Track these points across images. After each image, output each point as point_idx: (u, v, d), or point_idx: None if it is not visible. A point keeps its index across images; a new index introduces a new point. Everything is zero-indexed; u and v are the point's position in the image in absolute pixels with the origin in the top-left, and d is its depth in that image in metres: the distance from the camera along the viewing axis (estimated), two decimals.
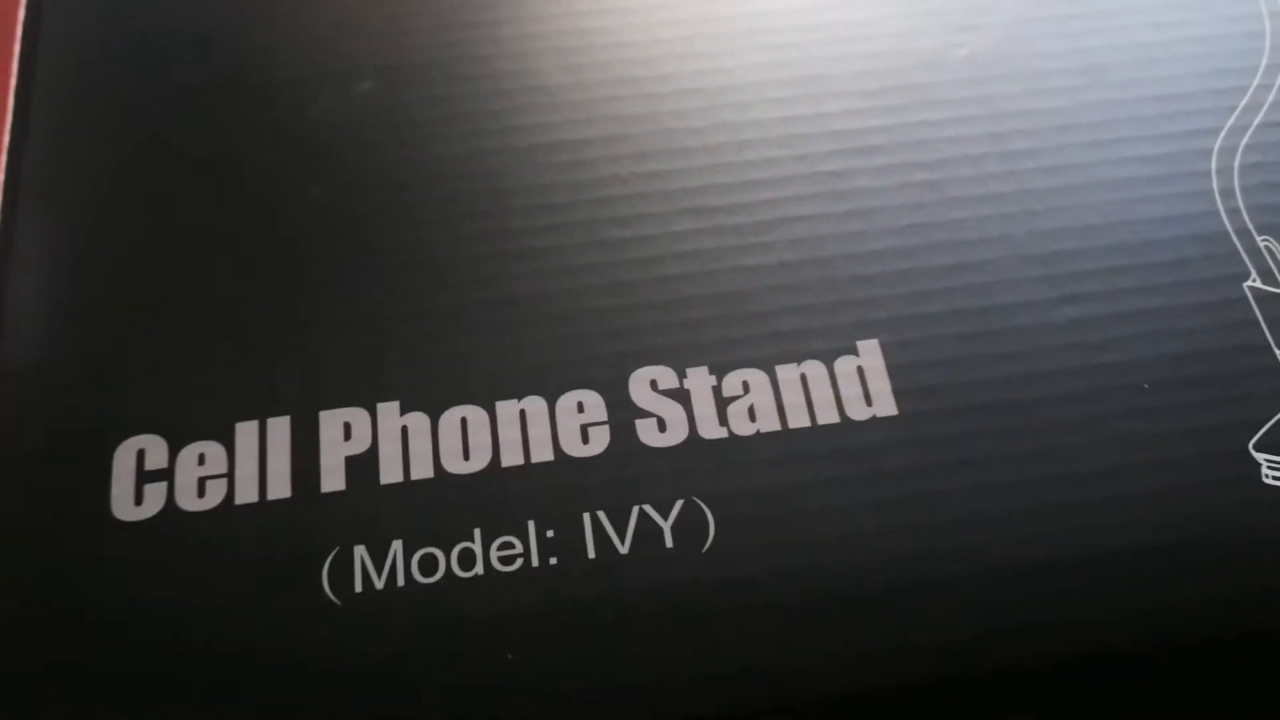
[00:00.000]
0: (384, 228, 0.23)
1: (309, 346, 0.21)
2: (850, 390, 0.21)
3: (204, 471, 0.20)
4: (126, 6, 0.26)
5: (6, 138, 0.24)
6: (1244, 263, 0.23)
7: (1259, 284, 0.22)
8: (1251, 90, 0.25)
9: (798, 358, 0.21)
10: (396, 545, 0.20)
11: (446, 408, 0.21)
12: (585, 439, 0.21)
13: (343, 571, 0.19)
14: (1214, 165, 0.24)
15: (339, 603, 0.19)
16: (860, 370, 0.21)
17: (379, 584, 0.19)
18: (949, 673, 0.19)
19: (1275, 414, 0.21)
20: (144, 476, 0.20)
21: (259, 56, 0.25)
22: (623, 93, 0.24)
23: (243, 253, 0.22)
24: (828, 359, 0.21)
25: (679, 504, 0.20)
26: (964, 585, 0.19)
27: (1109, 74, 0.25)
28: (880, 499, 0.20)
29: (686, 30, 0.25)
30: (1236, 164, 0.24)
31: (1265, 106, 0.24)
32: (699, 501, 0.20)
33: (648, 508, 0.20)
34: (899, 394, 0.21)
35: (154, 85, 0.24)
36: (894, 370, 0.21)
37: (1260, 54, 0.25)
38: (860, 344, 0.22)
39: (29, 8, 0.25)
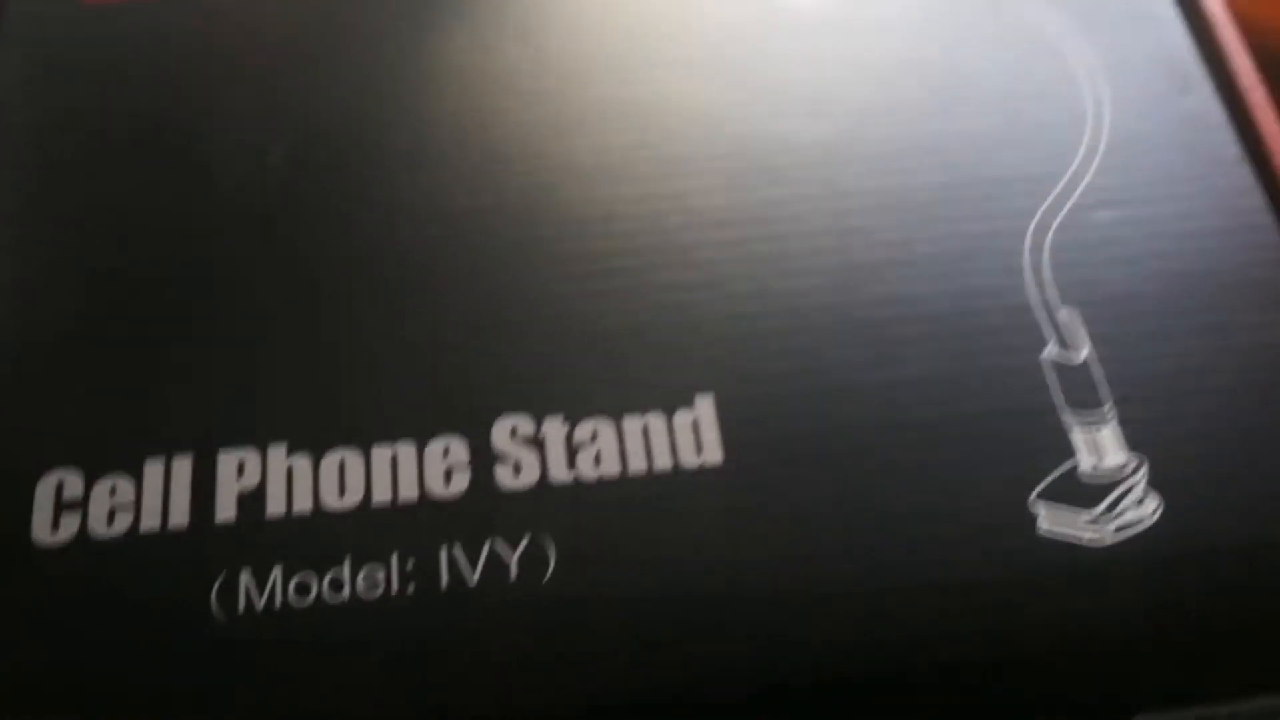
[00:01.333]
0: (279, 285, 0.26)
1: (212, 391, 0.24)
2: (684, 439, 0.24)
3: (114, 502, 0.23)
4: (70, 49, 0.29)
5: None
6: (1043, 334, 0.26)
7: (1055, 352, 0.25)
8: (1068, 175, 0.28)
9: (642, 408, 0.24)
10: (277, 571, 0.23)
11: (328, 450, 0.24)
12: (448, 480, 0.24)
13: (229, 594, 0.22)
14: (1027, 243, 0.27)
15: (224, 621, 0.22)
16: (695, 421, 0.24)
17: (259, 606, 0.22)
18: (755, 693, 0.22)
19: (1055, 469, 0.24)
20: (61, 506, 0.23)
21: (176, 134, 0.28)
22: (505, 167, 0.27)
23: (156, 299, 0.25)
24: (668, 410, 0.24)
25: (525, 540, 0.23)
26: (771, 614, 0.22)
27: (942, 157, 0.28)
28: (700, 536, 0.23)
29: (565, 111, 0.28)
30: (1048, 242, 0.27)
31: (1078, 191, 0.27)
32: (542, 538, 0.23)
33: (498, 543, 0.23)
34: (726, 443, 0.24)
35: (83, 125, 0.27)
36: (724, 421, 0.24)
37: (1080, 140, 0.28)
38: (697, 397, 0.25)
39: None
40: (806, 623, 0.22)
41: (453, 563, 0.23)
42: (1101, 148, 0.28)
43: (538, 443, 0.24)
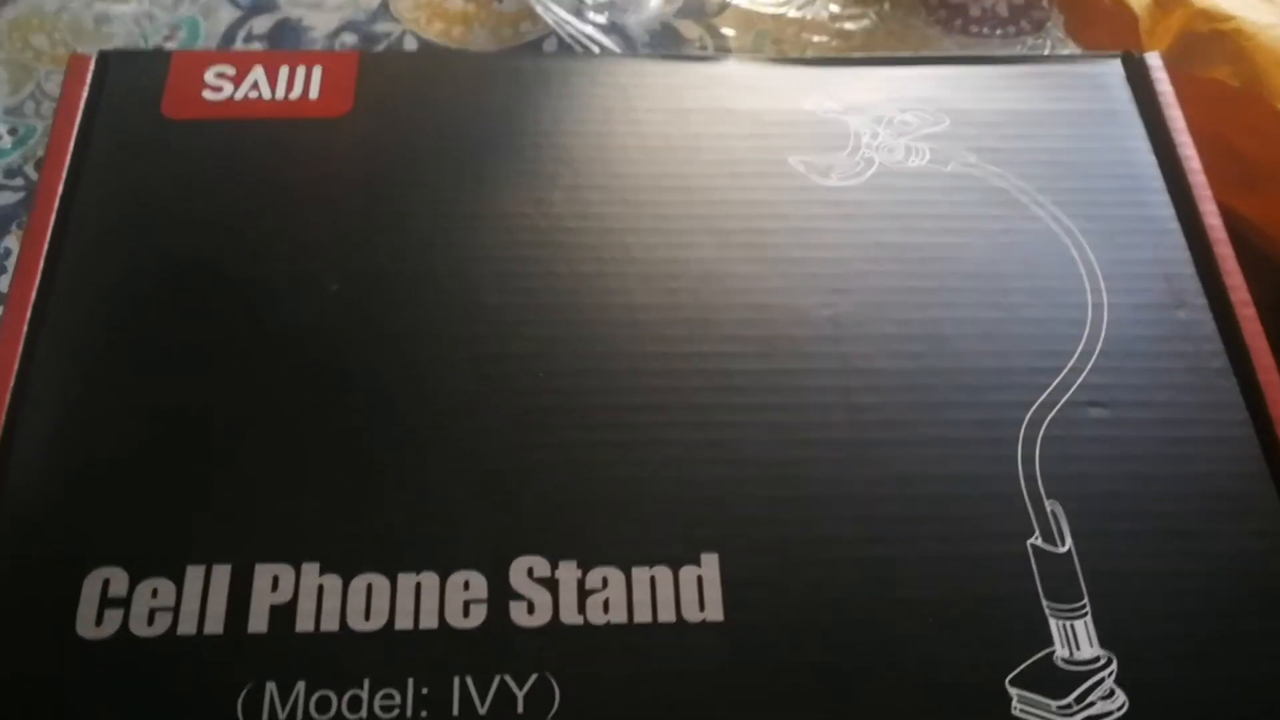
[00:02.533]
0: (329, 416, 0.28)
1: (255, 507, 0.26)
2: (688, 595, 0.26)
3: (155, 604, 0.25)
4: (150, 186, 0.31)
5: (34, 294, 0.29)
6: (1030, 522, 0.27)
7: (1040, 543, 0.27)
8: (1064, 372, 0.30)
9: (651, 561, 0.26)
10: (300, 685, 0.24)
11: (357, 573, 0.26)
12: (466, 613, 0.25)
13: (254, 702, 0.24)
14: (1021, 434, 0.29)
15: None
16: (699, 579, 0.26)
17: (282, 716, 0.24)
18: None
19: (1032, 656, 0.26)
20: (106, 602, 0.25)
21: (244, 253, 0.30)
22: (543, 316, 0.30)
23: (210, 420, 0.27)
24: (675, 566, 0.26)
25: (534, 677, 0.25)
26: None
27: (949, 344, 0.30)
28: (698, 691, 0.25)
29: (605, 268, 0.30)
30: (1040, 435, 0.29)
31: (1074, 388, 0.29)
32: (550, 677, 0.25)
33: (507, 678, 0.25)
34: (728, 603, 0.26)
35: (155, 267, 0.30)
36: (726, 582, 0.26)
37: (1078, 340, 0.30)
38: (703, 556, 0.26)
39: (66, 186, 0.31)
40: None
41: (464, 692, 0.24)
42: (1098, 349, 0.30)
43: (551, 584, 0.26)
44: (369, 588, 0.26)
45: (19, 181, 0.44)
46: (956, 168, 0.33)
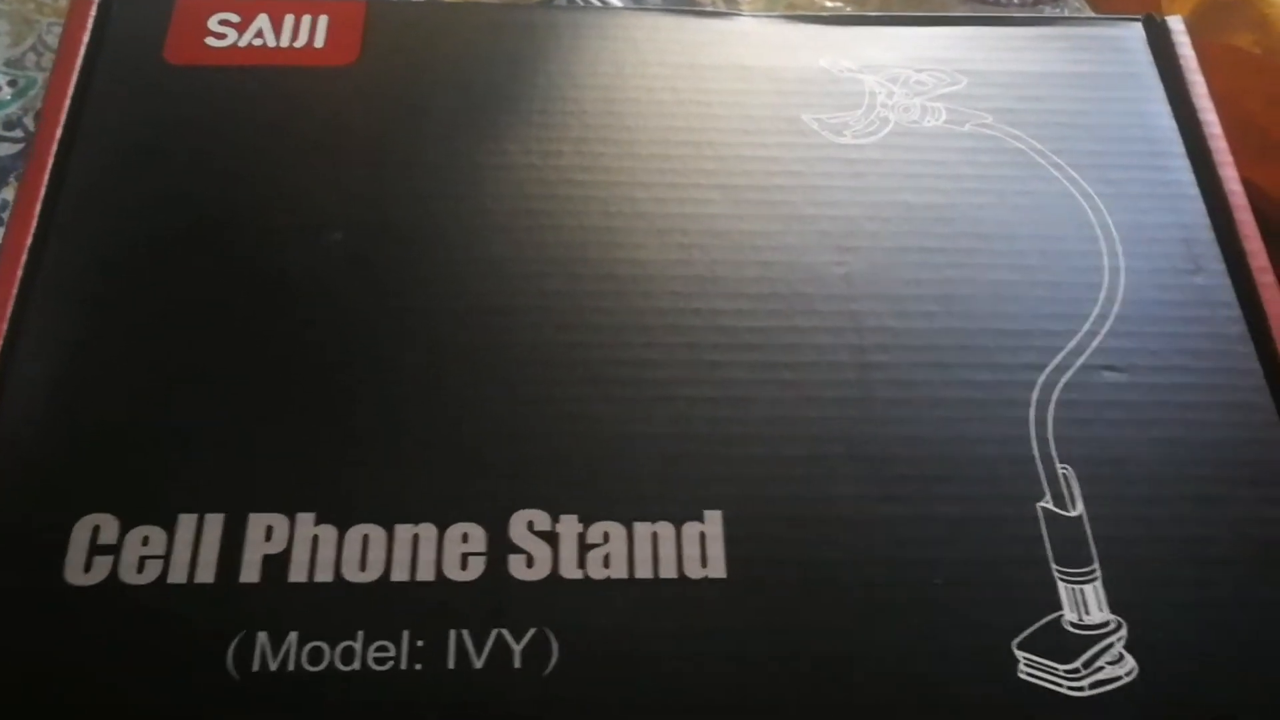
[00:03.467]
0: (328, 366, 0.27)
1: (249, 457, 0.26)
2: (691, 551, 0.25)
3: (146, 551, 0.25)
4: (151, 133, 0.31)
5: (29, 239, 0.29)
6: (1042, 486, 0.27)
7: (1051, 506, 0.27)
8: (1080, 335, 0.29)
9: (653, 517, 0.26)
10: (293, 636, 0.24)
11: (353, 524, 0.25)
12: (464, 565, 0.25)
13: (245, 652, 0.24)
14: (1035, 396, 0.28)
15: (238, 678, 0.23)
16: (702, 535, 0.26)
17: (273, 667, 0.23)
18: None
19: (1040, 619, 0.25)
20: (95, 549, 0.24)
21: (245, 202, 0.29)
22: (549, 270, 0.29)
23: (207, 367, 0.27)
24: (677, 522, 0.26)
25: (531, 631, 0.24)
26: None
27: (963, 304, 0.29)
28: (698, 650, 0.24)
29: (613, 222, 0.30)
30: (1054, 398, 0.28)
31: (1089, 351, 0.29)
32: (548, 631, 0.24)
33: (505, 631, 0.24)
34: (730, 561, 0.25)
35: (154, 215, 0.29)
36: (730, 539, 0.25)
37: (1094, 303, 0.30)
38: (707, 513, 0.26)
39: (65, 131, 0.30)
40: None
41: (460, 645, 0.24)
42: (1114, 313, 0.29)
43: (552, 538, 0.25)
44: (365, 539, 0.25)
45: (18, 133, 0.44)
46: (973, 128, 0.32)
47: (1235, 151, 0.32)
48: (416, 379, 0.27)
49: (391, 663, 0.24)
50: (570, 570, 0.25)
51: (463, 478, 0.26)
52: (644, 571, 0.25)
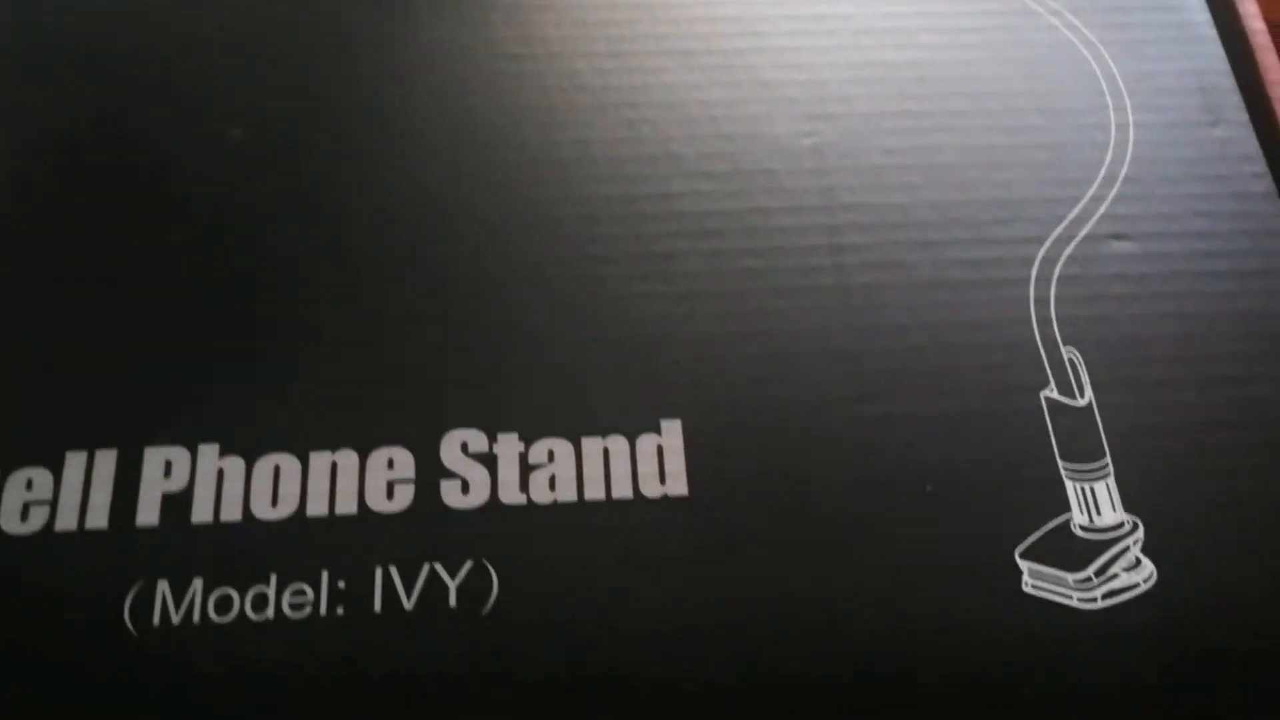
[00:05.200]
0: (224, 278, 0.24)
1: (145, 385, 0.23)
2: (647, 467, 0.22)
3: (30, 496, 0.22)
4: (37, 43, 0.27)
5: None
6: (1045, 373, 0.24)
7: (1055, 395, 0.23)
8: (1084, 201, 0.26)
9: (603, 431, 0.23)
10: (197, 583, 0.21)
11: (262, 454, 0.22)
12: (390, 495, 0.22)
13: (144, 605, 0.21)
14: (1034, 273, 0.25)
15: (136, 634, 0.21)
16: (660, 449, 0.23)
17: (176, 619, 0.21)
18: None
19: (1046, 524, 0.22)
20: None
21: (148, 96, 0.26)
22: (481, 157, 0.25)
23: (89, 292, 0.24)
24: (631, 435, 0.23)
25: (468, 565, 0.21)
26: (729, 660, 0.21)
27: (950, 174, 0.26)
28: (658, 577, 0.21)
29: (552, 99, 0.26)
30: (1056, 274, 0.25)
31: (1094, 219, 0.25)
32: (488, 564, 0.21)
33: (438, 566, 0.21)
34: (692, 476, 0.22)
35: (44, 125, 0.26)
36: (691, 451, 0.22)
37: (1100, 165, 0.26)
38: (664, 423, 0.23)
39: None
40: (763, 669, 0.21)
41: (388, 584, 0.21)
42: (1123, 174, 0.26)
43: (489, 460, 0.22)
44: (276, 470, 0.22)
45: None
46: None
47: None
48: (329, 289, 0.24)
49: (309, 609, 0.21)
50: (511, 495, 0.22)
51: (385, 397, 0.23)
52: (595, 492, 0.22)
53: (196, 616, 0.21)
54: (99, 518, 0.22)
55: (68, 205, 0.25)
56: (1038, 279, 0.25)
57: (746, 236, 0.25)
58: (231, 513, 0.22)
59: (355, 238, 0.24)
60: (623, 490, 0.22)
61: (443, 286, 0.24)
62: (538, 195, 0.25)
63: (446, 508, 0.22)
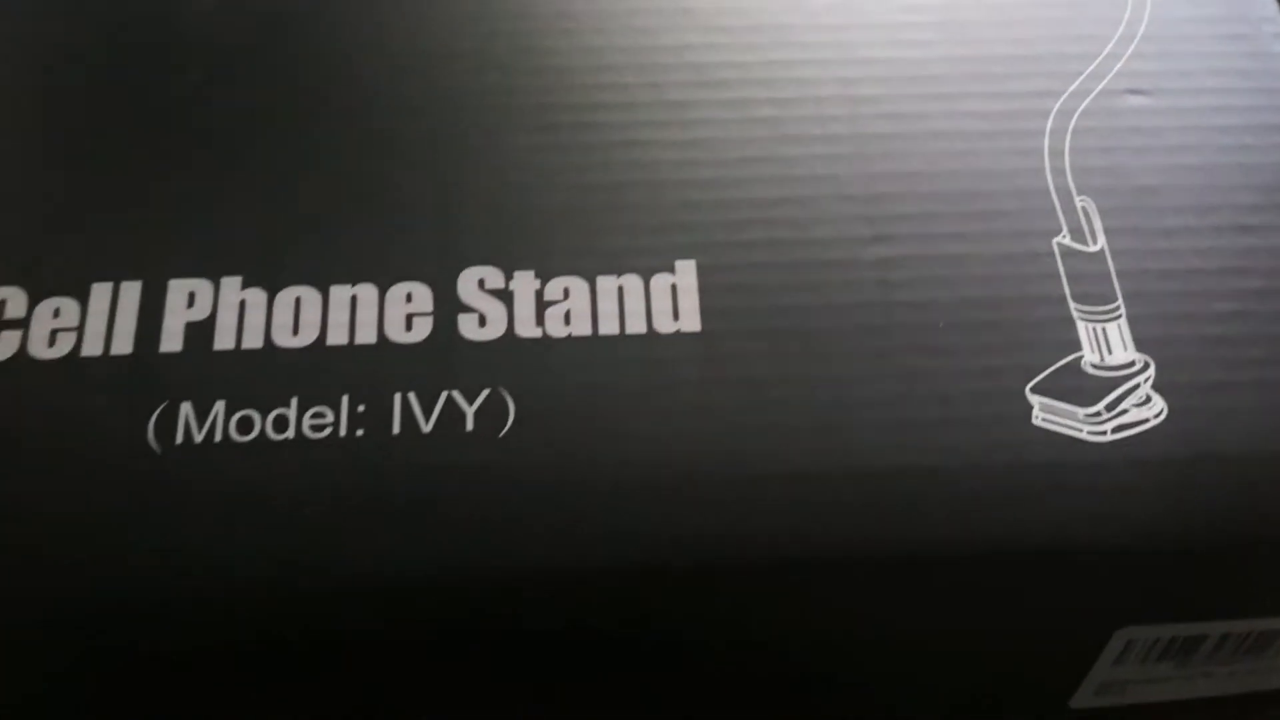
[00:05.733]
0: (244, 115, 0.24)
1: (168, 218, 0.23)
2: (661, 304, 0.23)
3: (57, 324, 0.22)
4: None
5: None
6: (1058, 220, 0.24)
7: (1068, 240, 0.24)
8: (1101, 58, 0.26)
9: (618, 270, 0.23)
10: (219, 405, 0.21)
11: (284, 286, 0.23)
12: (409, 327, 0.22)
13: (168, 424, 0.21)
14: (1049, 125, 0.25)
15: (159, 450, 0.21)
16: (674, 287, 0.23)
17: (198, 438, 0.21)
18: (709, 560, 0.21)
19: (1057, 361, 0.22)
20: (2, 324, 0.22)
21: None
22: (490, 6, 0.26)
23: (118, 121, 0.24)
24: (645, 274, 0.23)
25: (485, 393, 0.22)
26: (730, 488, 0.21)
27: (967, 30, 0.26)
28: (669, 405, 0.22)
29: None
30: (1071, 126, 0.25)
31: (1110, 75, 0.25)
32: (504, 392, 0.22)
33: (455, 394, 0.22)
34: (705, 312, 0.23)
35: None
36: (705, 290, 0.23)
37: (1119, 23, 0.26)
38: (678, 263, 0.23)
39: None
40: (773, 499, 0.21)
41: (407, 409, 0.22)
42: (1141, 29, 0.26)
43: (505, 296, 0.23)
44: (297, 301, 0.22)
45: None
46: None
47: None
48: (346, 126, 0.24)
49: (330, 429, 0.21)
50: (527, 329, 0.22)
51: (405, 234, 0.23)
52: (609, 327, 0.22)
53: (219, 435, 0.21)
54: (124, 344, 0.22)
55: (89, 41, 0.25)
56: (1053, 131, 0.25)
57: (762, 87, 0.25)
58: (253, 340, 0.22)
59: (369, 79, 0.25)
60: (636, 326, 0.22)
61: (456, 134, 0.24)
62: (550, 43, 0.25)
63: (464, 339, 0.22)
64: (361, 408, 0.21)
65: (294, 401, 0.22)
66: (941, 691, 0.25)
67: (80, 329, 0.22)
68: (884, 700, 0.25)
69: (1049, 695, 0.24)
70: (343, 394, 0.22)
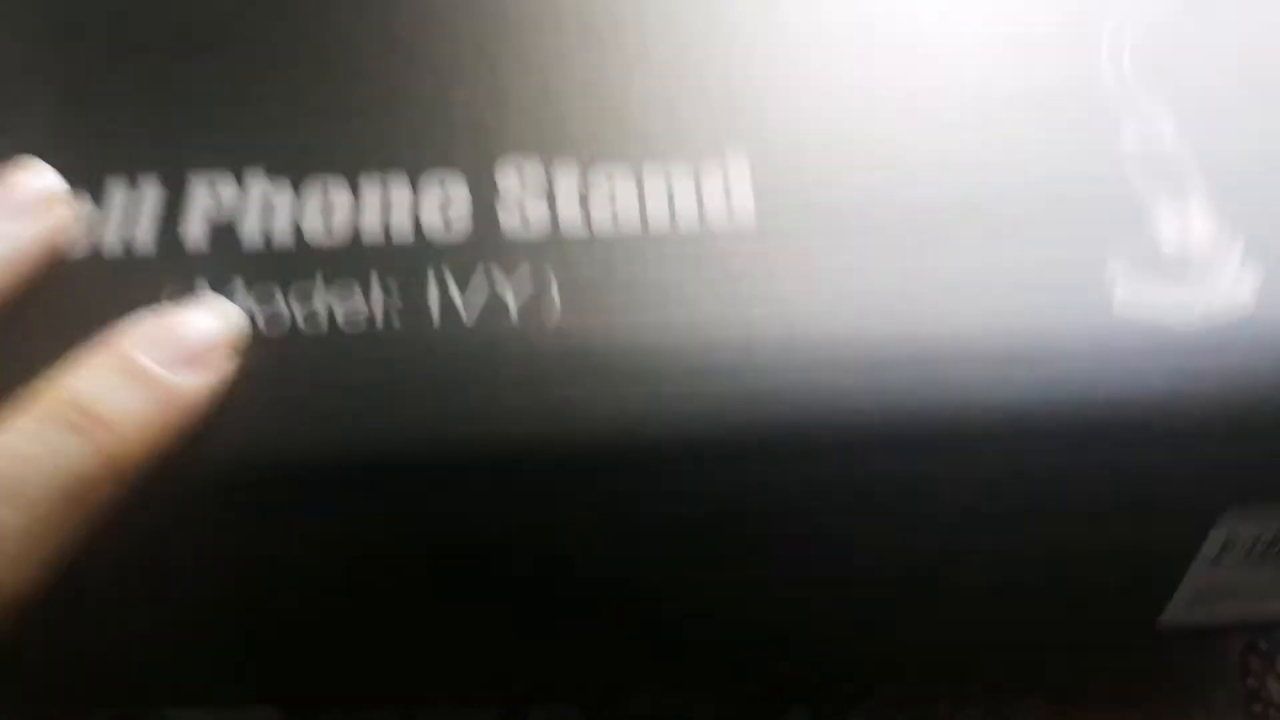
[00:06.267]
0: (268, 11, 0.23)
1: (188, 110, 0.22)
2: (713, 198, 0.21)
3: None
4: None
5: None
6: (1132, 103, 0.22)
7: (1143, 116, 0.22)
8: None
9: (666, 162, 0.22)
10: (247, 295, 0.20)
11: (312, 174, 0.21)
12: (445, 222, 0.21)
13: None
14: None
15: None
16: (726, 181, 0.21)
17: None
18: (763, 444, 0.19)
19: (1134, 241, 0.21)
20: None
21: None
22: None
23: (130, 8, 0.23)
24: (696, 167, 0.22)
25: (530, 288, 0.20)
26: (787, 369, 0.20)
27: None
28: (722, 302, 0.20)
29: None
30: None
31: None
32: (550, 286, 0.20)
33: (496, 287, 0.20)
34: (760, 203, 0.21)
35: None
36: (758, 184, 0.21)
37: None
38: (729, 152, 0.22)
39: None
40: (828, 385, 0.20)
41: (447, 302, 0.20)
42: None
43: (547, 188, 0.21)
44: (326, 192, 0.21)
45: None
46: None
47: None
48: (367, 28, 0.23)
49: (366, 323, 0.20)
50: (570, 223, 0.21)
51: (436, 123, 0.22)
52: (659, 223, 0.21)
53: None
54: (146, 243, 0.21)
55: None
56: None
57: None
58: (283, 238, 0.21)
59: None
60: (689, 222, 0.21)
61: (494, 18, 0.23)
62: None
63: (504, 232, 0.21)
64: (401, 302, 0.20)
65: (328, 290, 0.20)
66: (1020, 618, 0.23)
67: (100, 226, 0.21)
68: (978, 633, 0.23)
69: (1136, 611, 0.23)
70: (379, 286, 0.20)
